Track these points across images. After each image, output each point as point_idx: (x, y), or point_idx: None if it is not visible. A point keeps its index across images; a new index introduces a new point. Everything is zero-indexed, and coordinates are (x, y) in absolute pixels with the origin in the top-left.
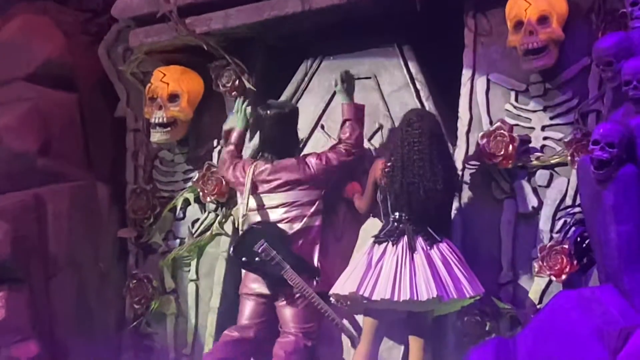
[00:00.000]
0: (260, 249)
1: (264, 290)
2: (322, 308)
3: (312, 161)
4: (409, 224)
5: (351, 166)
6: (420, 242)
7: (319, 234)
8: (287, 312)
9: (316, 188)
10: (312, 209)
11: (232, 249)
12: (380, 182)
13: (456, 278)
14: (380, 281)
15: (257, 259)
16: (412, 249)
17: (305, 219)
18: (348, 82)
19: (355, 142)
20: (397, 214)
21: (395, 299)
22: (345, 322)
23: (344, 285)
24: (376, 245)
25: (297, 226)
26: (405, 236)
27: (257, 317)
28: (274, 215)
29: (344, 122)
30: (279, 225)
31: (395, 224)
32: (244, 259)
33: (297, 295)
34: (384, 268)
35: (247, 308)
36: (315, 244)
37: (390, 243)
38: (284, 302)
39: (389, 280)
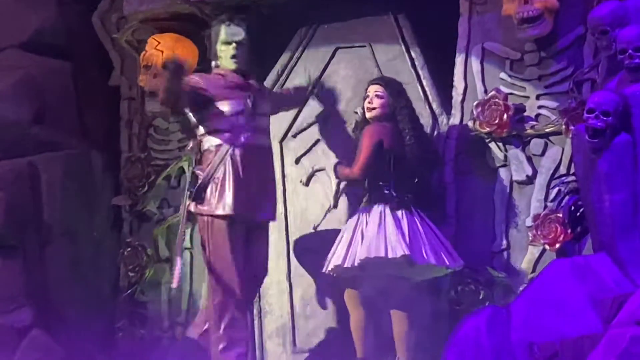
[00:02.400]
0: None
1: None
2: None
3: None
4: (400, 192)
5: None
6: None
7: None
8: None
9: None
10: None
11: None
12: (388, 146)
13: (436, 245)
14: (364, 242)
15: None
16: (396, 209)
17: None
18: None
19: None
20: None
21: (383, 254)
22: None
23: (334, 256)
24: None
25: None
26: (392, 200)
27: None
28: None
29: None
30: None
31: (386, 191)
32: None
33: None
34: (367, 229)
35: None
36: None
37: (377, 205)
38: None
39: (374, 239)
